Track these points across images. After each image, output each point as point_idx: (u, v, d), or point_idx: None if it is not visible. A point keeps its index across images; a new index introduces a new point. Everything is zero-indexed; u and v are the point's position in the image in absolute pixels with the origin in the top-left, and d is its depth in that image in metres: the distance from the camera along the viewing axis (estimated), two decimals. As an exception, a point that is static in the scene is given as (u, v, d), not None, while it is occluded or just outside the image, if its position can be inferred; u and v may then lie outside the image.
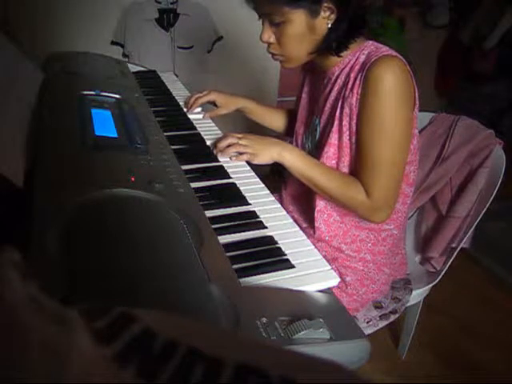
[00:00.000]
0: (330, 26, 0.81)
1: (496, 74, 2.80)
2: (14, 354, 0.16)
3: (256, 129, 1.36)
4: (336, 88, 0.88)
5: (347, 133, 0.85)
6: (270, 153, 0.87)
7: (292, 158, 0.87)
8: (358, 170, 0.85)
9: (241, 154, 0.90)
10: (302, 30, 0.81)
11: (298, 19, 0.80)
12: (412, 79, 0.81)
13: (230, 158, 0.92)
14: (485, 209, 1.08)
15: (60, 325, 0.18)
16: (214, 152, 0.94)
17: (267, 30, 0.85)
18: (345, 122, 0.85)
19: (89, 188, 0.62)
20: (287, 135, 1.21)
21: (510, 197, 1.66)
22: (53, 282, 0.46)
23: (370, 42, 0.85)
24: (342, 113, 0.85)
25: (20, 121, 0.77)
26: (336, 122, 0.86)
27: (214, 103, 1.16)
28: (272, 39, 0.86)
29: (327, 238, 0.94)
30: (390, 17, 2.62)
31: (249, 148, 0.89)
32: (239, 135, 0.92)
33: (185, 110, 1.16)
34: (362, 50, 0.84)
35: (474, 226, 1.10)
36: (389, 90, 0.77)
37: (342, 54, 0.85)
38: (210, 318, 0.47)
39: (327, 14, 0.80)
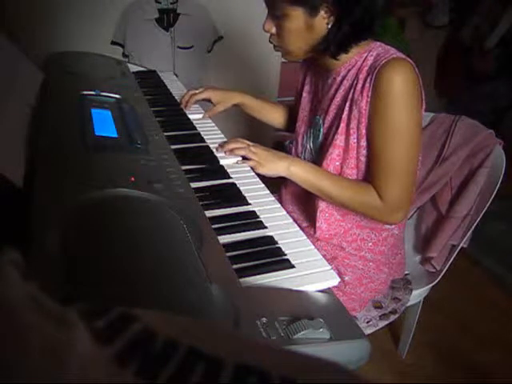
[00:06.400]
0: (329, 26, 0.81)
1: (496, 73, 2.80)
2: (14, 353, 0.16)
3: (257, 128, 1.36)
4: (342, 89, 0.88)
5: (354, 135, 0.85)
6: (276, 166, 0.88)
7: (300, 172, 0.87)
8: (371, 172, 0.85)
9: (247, 159, 0.91)
10: (300, 27, 0.82)
11: (296, 16, 0.81)
12: (420, 82, 0.81)
13: (237, 162, 0.92)
14: (485, 209, 1.08)
15: (60, 325, 0.18)
16: (221, 150, 0.94)
17: (269, 20, 0.86)
18: (352, 125, 0.84)
19: (89, 188, 0.62)
20: (287, 131, 1.21)
21: (510, 197, 1.66)
22: (53, 281, 0.46)
23: (378, 43, 0.85)
24: (349, 115, 0.85)
25: (20, 121, 0.77)
26: (342, 124, 0.86)
27: (210, 101, 1.16)
28: (273, 30, 0.87)
29: (327, 237, 0.94)
30: (390, 17, 2.62)
31: (256, 156, 0.89)
32: (250, 143, 0.93)
33: (184, 109, 1.15)
34: (369, 52, 0.83)
35: (473, 226, 1.10)
36: (400, 93, 0.78)
37: (338, 58, 0.85)
38: (210, 317, 0.47)
39: (327, 14, 0.80)
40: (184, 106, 1.15)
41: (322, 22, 0.81)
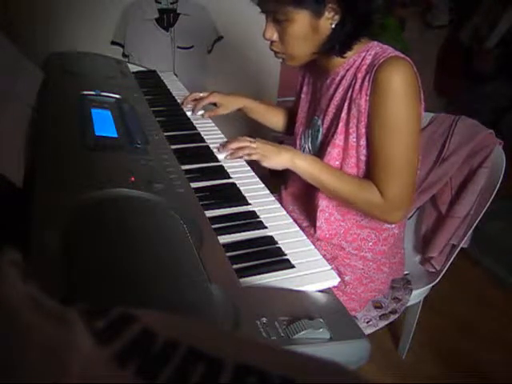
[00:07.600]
0: (333, 26, 0.81)
1: (496, 73, 2.80)
2: (14, 353, 0.16)
3: (257, 128, 1.36)
4: (341, 89, 0.88)
5: (354, 134, 0.85)
6: (281, 158, 0.87)
7: (304, 164, 0.87)
8: (371, 171, 0.85)
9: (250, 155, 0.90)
10: (305, 30, 0.81)
11: (301, 19, 0.80)
12: (418, 80, 0.81)
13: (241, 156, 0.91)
14: (485, 209, 1.08)
15: (60, 325, 0.18)
16: (222, 150, 0.93)
17: (270, 27, 0.85)
18: (351, 124, 0.84)
19: (89, 188, 0.62)
20: (288, 134, 1.21)
21: (510, 197, 1.66)
22: (53, 281, 0.46)
23: (375, 42, 0.85)
24: (348, 114, 0.85)
25: (20, 121, 0.77)
26: (341, 124, 0.86)
27: (214, 104, 1.16)
28: (275, 37, 0.85)
29: (327, 236, 0.94)
30: (390, 17, 2.62)
31: (259, 150, 0.88)
32: (251, 139, 0.92)
33: (184, 109, 1.15)
34: (367, 51, 0.84)
35: (473, 226, 1.10)
36: (398, 91, 0.78)
37: (345, 55, 0.85)
38: (210, 317, 0.47)
39: (331, 14, 0.80)
40: (193, 110, 1.14)
41: (327, 22, 0.81)
